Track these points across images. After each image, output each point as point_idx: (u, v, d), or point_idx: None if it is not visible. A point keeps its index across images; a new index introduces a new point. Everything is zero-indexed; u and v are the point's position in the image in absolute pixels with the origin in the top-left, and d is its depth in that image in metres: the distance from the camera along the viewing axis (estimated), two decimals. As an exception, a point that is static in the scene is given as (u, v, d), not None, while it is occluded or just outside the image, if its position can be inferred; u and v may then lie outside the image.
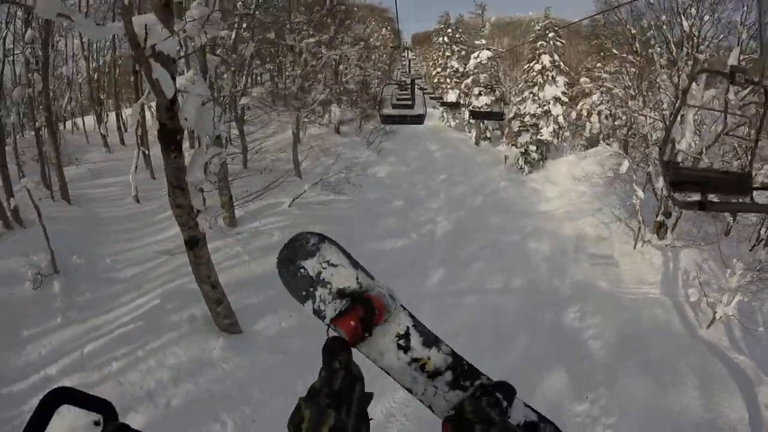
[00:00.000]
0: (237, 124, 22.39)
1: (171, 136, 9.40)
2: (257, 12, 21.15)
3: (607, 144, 35.47)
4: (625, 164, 21.67)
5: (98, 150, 28.13)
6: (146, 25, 7.70)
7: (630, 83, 31.08)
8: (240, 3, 20.07)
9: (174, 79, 8.70)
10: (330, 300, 2.85)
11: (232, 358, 11.44)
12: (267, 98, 25.65)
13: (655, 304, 16.90)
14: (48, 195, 18.66)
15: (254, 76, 25.17)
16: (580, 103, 40.09)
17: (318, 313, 2.87)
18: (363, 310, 2.66)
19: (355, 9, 41.41)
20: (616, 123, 36.91)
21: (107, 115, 32.29)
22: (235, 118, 22.30)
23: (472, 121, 43.45)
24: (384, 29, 59.85)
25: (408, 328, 2.88)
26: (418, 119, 13.70)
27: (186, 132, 11.14)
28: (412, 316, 2.92)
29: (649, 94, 23.97)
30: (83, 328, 12.03)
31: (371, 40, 48.54)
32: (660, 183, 21.17)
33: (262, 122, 30.11)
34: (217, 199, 17.79)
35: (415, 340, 2.86)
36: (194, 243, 10.77)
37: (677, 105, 11.61)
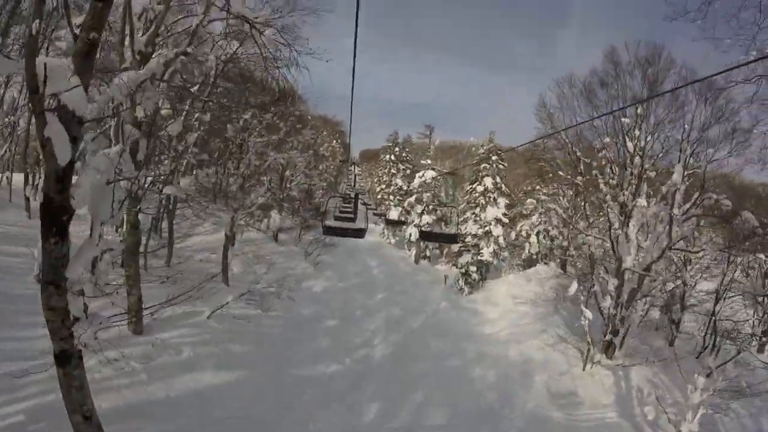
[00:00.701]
0: (167, 215, 20.29)
1: (56, 216, 7.13)
2: (209, 101, 19.81)
3: (545, 263, 35.72)
4: (574, 286, 20.89)
5: (18, 212, 24.55)
6: (45, 66, 5.89)
7: (568, 204, 31.43)
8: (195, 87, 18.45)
9: (75, 143, 6.71)
10: None
11: None
12: (201, 192, 23.73)
13: (615, 430, 15.95)
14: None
15: (191, 166, 22.99)
16: (520, 224, 39.68)
17: None
18: None
19: (309, 117, 40.79)
20: (554, 243, 37.09)
21: (40, 176, 28.37)
22: (166, 209, 20.22)
23: (413, 239, 42.35)
24: (334, 141, 59.96)
25: None
26: (359, 233, 13.71)
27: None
28: None
29: (596, 214, 23.84)
30: None
31: (321, 149, 48.10)
32: (607, 302, 20.55)
33: (201, 217, 28.11)
34: (124, 298, 14.98)
35: None
36: (65, 360, 8.14)
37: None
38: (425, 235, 24.11)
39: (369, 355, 19.90)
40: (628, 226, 20.26)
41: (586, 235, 22.82)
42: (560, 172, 26.51)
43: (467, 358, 21.30)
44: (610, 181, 21.44)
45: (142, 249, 18.07)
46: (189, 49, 13.47)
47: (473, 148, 49.46)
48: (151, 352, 13.90)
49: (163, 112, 15.14)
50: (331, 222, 15.51)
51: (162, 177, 16.97)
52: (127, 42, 12.42)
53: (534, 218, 38.43)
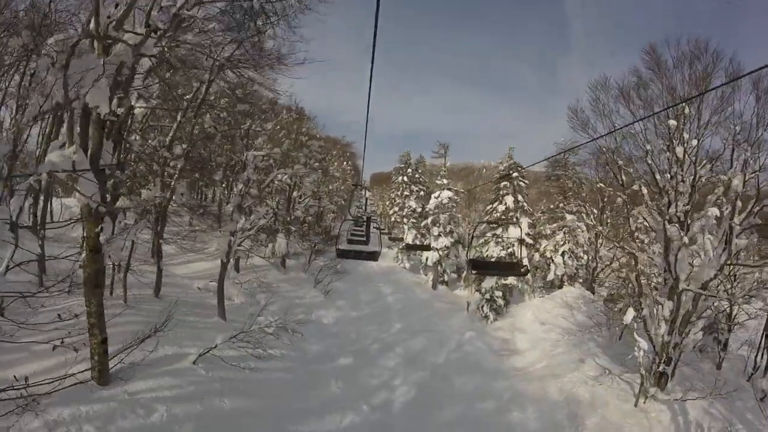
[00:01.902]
0: (153, 237, 17.55)
1: None
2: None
3: (570, 285, 32.85)
4: (630, 313, 17.74)
5: None
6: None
7: (594, 221, 28.49)
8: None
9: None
10: None
11: None
12: (193, 210, 20.95)
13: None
14: None
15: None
16: (543, 244, 36.26)
17: None
18: None
19: (317, 135, 38.21)
20: (578, 263, 34.14)
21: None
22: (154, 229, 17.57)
23: (430, 263, 38.98)
24: (345, 163, 57.30)
25: None
26: (373, 255, 13.81)
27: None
28: None
29: (639, 229, 20.98)
30: None
31: (331, 168, 45.36)
32: (662, 328, 17.56)
33: (201, 241, 25.16)
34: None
35: None
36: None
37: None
38: (479, 266, 14.99)
39: (389, 401, 16.51)
40: (686, 240, 17.09)
41: (634, 254, 19.59)
42: (600, 185, 23.52)
43: (502, 399, 17.99)
44: (661, 192, 18.33)
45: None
46: (166, 32, 10.83)
47: (484, 170, 46.60)
48: (114, 411, 10.75)
49: (137, 111, 12.26)
50: (344, 245, 15.70)
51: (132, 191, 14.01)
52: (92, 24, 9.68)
53: (559, 237, 35.17)
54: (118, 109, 10.83)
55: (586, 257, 34.17)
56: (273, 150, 20.93)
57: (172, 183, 18.67)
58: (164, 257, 27.32)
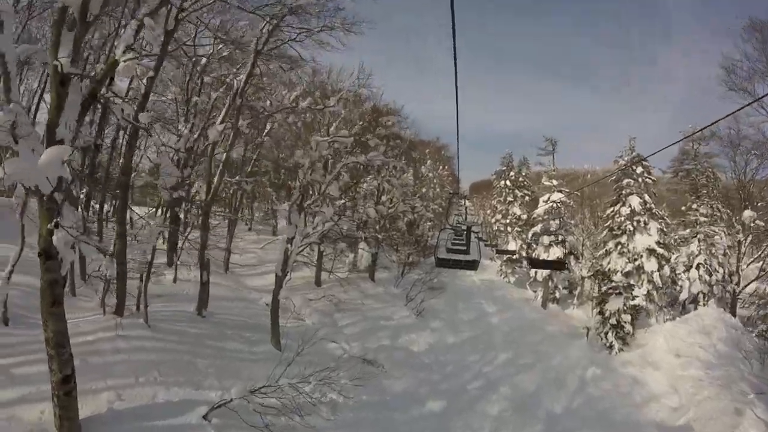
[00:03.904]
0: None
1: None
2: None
3: (705, 305, 26.37)
4: None
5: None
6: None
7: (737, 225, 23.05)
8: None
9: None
10: None
11: None
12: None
13: None
14: None
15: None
16: (674, 256, 29.47)
17: None
18: None
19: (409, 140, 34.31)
20: (712, 278, 27.34)
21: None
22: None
23: (540, 277, 33.43)
24: (441, 167, 52.83)
25: None
26: (473, 265, 13.68)
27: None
28: None
29: None
30: None
31: (423, 168, 41.20)
32: None
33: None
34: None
35: None
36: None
37: None
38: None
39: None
40: None
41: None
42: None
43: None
44: None
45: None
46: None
47: (589, 175, 40.42)
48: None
49: (122, 67, 8.46)
50: (443, 254, 14.99)
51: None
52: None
53: (693, 247, 28.56)
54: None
55: (722, 270, 27.58)
56: (340, 132, 16.83)
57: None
58: (238, 266, 24.64)
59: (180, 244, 19.29)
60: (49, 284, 7.89)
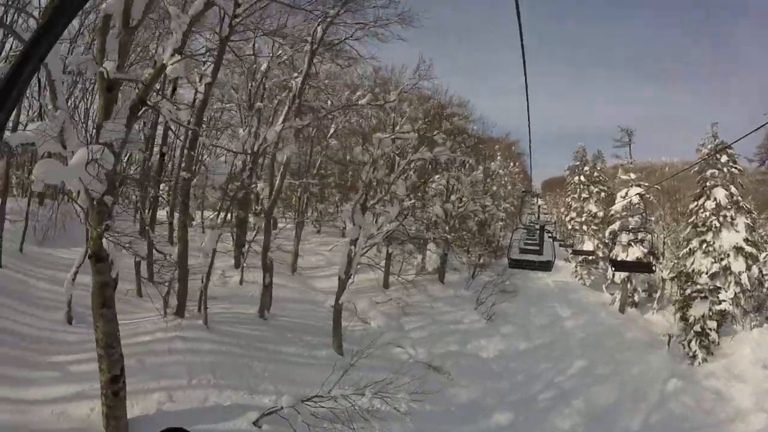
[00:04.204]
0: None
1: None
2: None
3: None
4: None
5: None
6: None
7: None
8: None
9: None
10: None
11: None
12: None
13: None
14: None
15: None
16: (762, 255, 26.78)
17: None
18: None
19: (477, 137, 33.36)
20: None
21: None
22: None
23: (618, 280, 31.49)
24: (512, 164, 51.26)
25: None
26: (547, 266, 13.20)
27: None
28: None
29: None
30: None
31: (493, 164, 39.91)
32: None
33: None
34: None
35: None
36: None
37: None
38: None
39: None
40: None
41: None
42: None
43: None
44: None
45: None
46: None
47: (666, 168, 37.68)
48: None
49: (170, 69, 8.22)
50: (516, 255, 14.61)
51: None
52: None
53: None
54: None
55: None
56: (403, 128, 16.24)
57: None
58: (306, 267, 24.61)
59: (246, 246, 19.37)
60: (100, 286, 7.95)
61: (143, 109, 8.24)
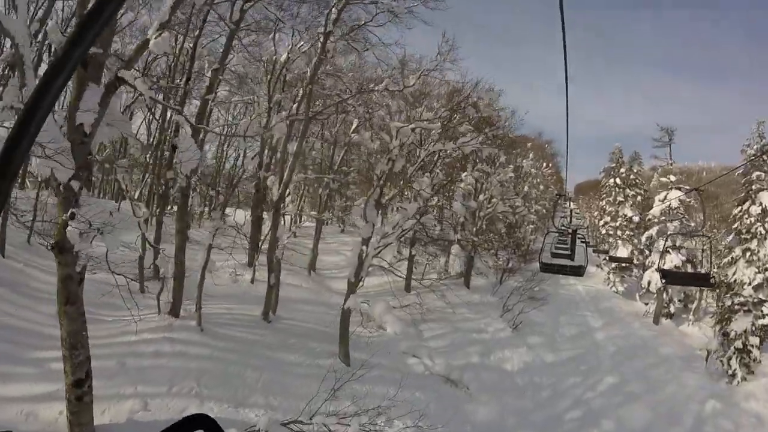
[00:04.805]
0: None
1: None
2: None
3: None
4: None
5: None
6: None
7: None
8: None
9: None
10: None
11: None
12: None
13: None
14: None
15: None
16: None
17: None
18: None
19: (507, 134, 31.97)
20: None
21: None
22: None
23: (652, 288, 29.74)
24: (545, 165, 49.62)
25: None
26: (578, 270, 12.67)
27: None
28: None
29: None
30: None
31: (525, 162, 38.26)
32: None
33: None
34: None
35: None
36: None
37: None
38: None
39: None
40: None
41: None
42: None
43: None
44: None
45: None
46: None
47: (704, 173, 35.22)
48: None
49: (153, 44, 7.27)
50: (547, 259, 14.36)
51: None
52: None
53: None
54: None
55: None
56: (422, 116, 14.96)
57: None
58: (324, 267, 23.69)
59: (260, 243, 18.60)
60: (63, 280, 7.12)
61: (119, 86, 7.29)
